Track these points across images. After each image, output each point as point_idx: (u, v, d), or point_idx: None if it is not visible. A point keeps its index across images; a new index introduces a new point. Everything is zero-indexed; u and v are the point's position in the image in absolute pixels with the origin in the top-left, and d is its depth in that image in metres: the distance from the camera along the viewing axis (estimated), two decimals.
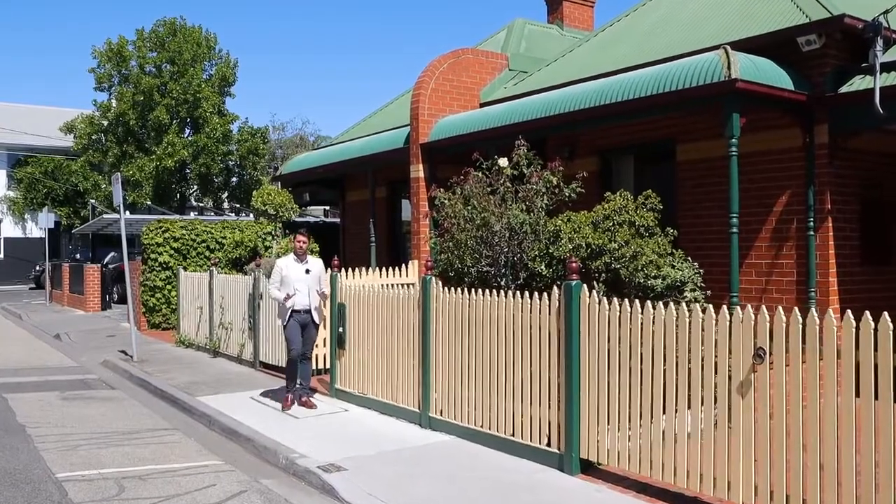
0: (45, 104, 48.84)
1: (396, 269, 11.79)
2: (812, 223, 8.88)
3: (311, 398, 9.18)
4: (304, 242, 9.24)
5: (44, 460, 7.18)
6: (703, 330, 5.50)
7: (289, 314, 9.07)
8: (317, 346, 11.29)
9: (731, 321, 5.30)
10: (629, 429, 6.01)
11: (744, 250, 9.47)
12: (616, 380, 6.09)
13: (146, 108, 33.78)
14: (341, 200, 18.05)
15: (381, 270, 11.56)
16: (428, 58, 15.69)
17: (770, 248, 9.32)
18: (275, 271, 9.24)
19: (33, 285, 36.28)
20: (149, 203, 33.16)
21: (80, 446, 7.70)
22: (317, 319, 9.32)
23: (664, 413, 5.76)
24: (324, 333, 11.14)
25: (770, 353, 5.08)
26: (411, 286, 8.66)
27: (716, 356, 5.40)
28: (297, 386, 9.13)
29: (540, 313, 6.76)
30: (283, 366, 11.30)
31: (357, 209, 17.19)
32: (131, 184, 32.97)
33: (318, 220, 25.06)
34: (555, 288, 6.65)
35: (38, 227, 32.09)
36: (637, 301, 5.99)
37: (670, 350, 5.69)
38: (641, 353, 5.90)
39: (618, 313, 6.09)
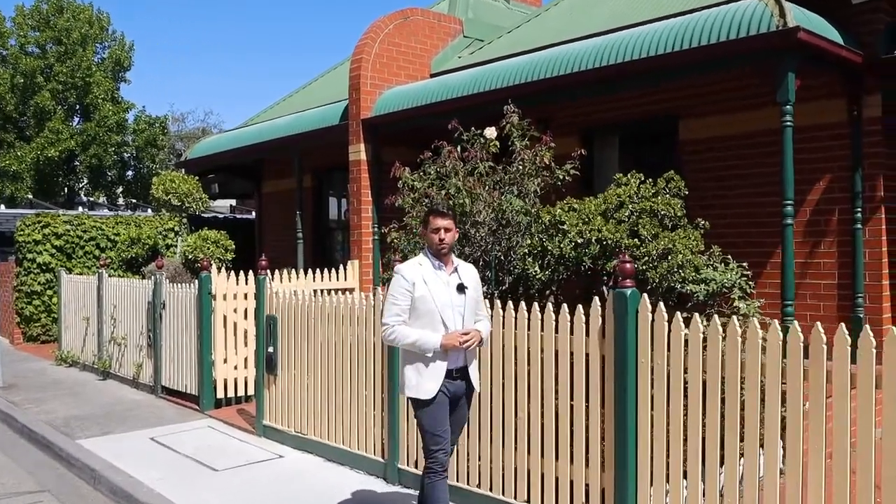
0: None
1: (332, 270, 9.70)
2: (860, 214, 7.25)
3: None
4: (448, 230, 4.50)
5: None
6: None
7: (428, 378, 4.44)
8: (235, 367, 9.07)
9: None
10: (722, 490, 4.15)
11: (768, 247, 7.84)
12: (697, 427, 4.23)
13: (28, 93, 30.17)
14: (257, 192, 15.66)
15: (313, 273, 9.43)
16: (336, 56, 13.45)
17: (803, 244, 7.66)
18: (394, 287, 4.47)
19: None
20: (30, 197, 29.56)
21: None
22: (476, 384, 4.68)
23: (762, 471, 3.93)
24: (245, 352, 8.94)
25: None
26: (351, 292, 6.82)
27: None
28: None
29: (572, 333, 4.83)
30: (192, 393, 9.03)
31: (276, 202, 14.87)
32: (9, 176, 29.35)
33: (228, 215, 22.47)
34: (595, 299, 4.75)
35: None
36: (736, 319, 4.13)
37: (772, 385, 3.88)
38: (744, 395, 4.05)
39: (700, 333, 4.22)
